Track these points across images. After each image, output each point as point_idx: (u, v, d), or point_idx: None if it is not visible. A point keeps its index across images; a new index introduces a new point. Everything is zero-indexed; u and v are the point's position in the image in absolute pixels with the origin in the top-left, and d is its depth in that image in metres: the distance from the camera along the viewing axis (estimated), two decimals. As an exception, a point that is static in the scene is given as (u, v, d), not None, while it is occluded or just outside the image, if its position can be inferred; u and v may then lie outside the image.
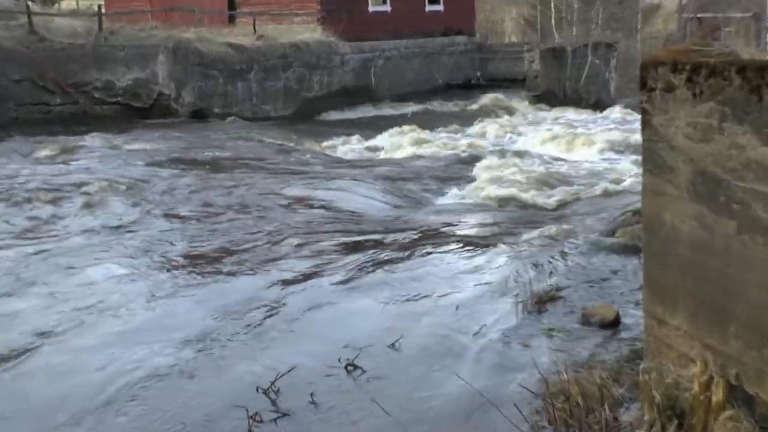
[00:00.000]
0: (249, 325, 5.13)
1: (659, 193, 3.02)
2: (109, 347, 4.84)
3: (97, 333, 5.11)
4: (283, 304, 5.53)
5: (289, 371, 4.23)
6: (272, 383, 4.12)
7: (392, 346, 4.65)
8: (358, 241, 7.37)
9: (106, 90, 18.50)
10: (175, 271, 6.51)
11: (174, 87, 18.89)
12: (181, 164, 12.17)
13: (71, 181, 10.41)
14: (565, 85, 22.33)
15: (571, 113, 20.34)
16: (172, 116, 18.77)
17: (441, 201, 10.32)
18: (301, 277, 6.18)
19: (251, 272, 6.40)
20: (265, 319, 5.24)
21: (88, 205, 9.10)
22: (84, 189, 9.88)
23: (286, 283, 6.05)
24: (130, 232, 7.98)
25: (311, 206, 9.26)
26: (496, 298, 5.44)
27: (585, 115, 20.08)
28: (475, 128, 17.89)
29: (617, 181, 11.30)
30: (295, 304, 5.49)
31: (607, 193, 10.56)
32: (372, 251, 6.93)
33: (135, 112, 18.68)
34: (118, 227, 8.20)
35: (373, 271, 6.29)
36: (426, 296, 5.58)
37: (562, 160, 13.28)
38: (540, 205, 10.16)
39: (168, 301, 5.73)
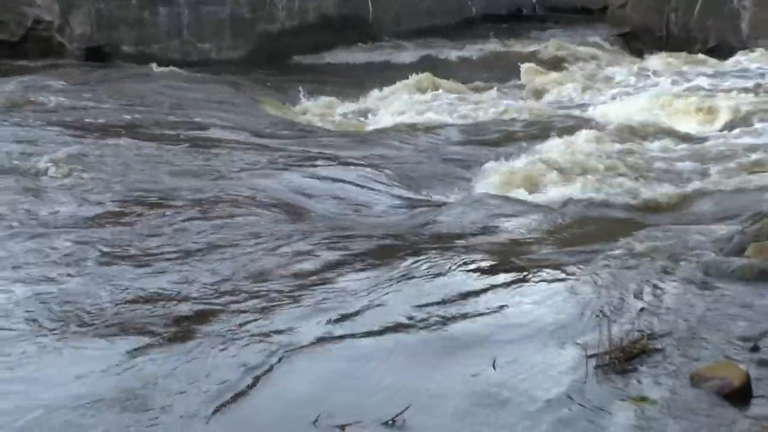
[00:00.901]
0: (190, 383, 5.18)
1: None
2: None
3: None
4: (238, 353, 5.58)
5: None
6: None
7: (392, 423, 4.65)
8: (349, 258, 7.46)
9: (-51, 14, 18.50)
10: (94, 294, 6.62)
11: (58, 10, 18.86)
12: (75, 132, 12.29)
13: None
14: (668, 19, 22.26)
15: (677, 61, 20.28)
16: (55, 56, 18.79)
17: (473, 196, 10.37)
18: (265, 313, 6.25)
19: (195, 305, 6.44)
20: (209, 375, 5.28)
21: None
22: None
23: (243, 320, 6.10)
24: (19, 232, 8.11)
25: (275, 204, 9.35)
26: (557, 348, 5.45)
27: (700, 64, 20.03)
28: (529, 83, 17.93)
29: (750, 170, 11.29)
30: (255, 355, 5.52)
31: (733, 189, 10.59)
32: (369, 272, 7.02)
33: (-3, 47, 18.67)
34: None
35: (369, 301, 6.38)
36: (449, 343, 5.62)
37: (661, 135, 13.28)
38: (627, 205, 10.26)
39: (80, 344, 5.79)
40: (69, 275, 7.08)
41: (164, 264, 7.41)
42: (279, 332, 5.89)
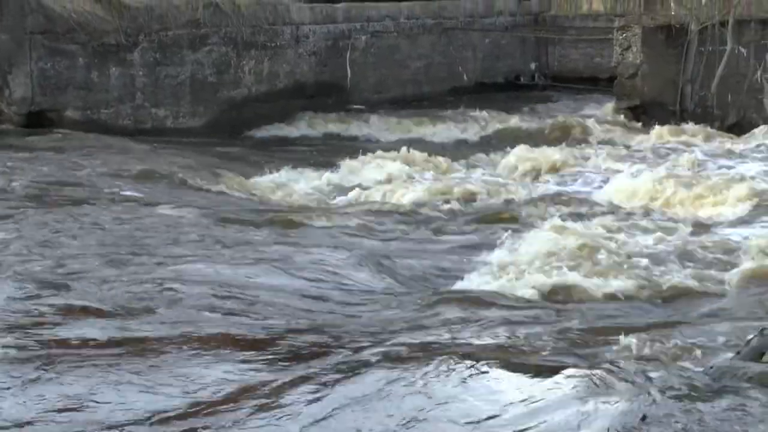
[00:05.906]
0: None
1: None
2: None
3: None
4: None
5: None
6: None
7: None
8: (315, 370, 7.31)
9: None
10: None
11: (-4, 70, 18.89)
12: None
13: None
14: (683, 91, 22.41)
15: (692, 139, 20.42)
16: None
17: (457, 288, 10.41)
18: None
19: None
20: None
21: None
22: None
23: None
24: None
25: (228, 296, 9.40)
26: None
27: (717, 142, 20.15)
28: (522, 162, 18.03)
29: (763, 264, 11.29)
30: None
31: (750, 282, 10.63)
32: (336, 386, 6.91)
33: None
34: None
35: (355, 416, 6.33)
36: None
37: (669, 222, 13.43)
38: (627, 300, 10.30)
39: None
40: None
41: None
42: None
